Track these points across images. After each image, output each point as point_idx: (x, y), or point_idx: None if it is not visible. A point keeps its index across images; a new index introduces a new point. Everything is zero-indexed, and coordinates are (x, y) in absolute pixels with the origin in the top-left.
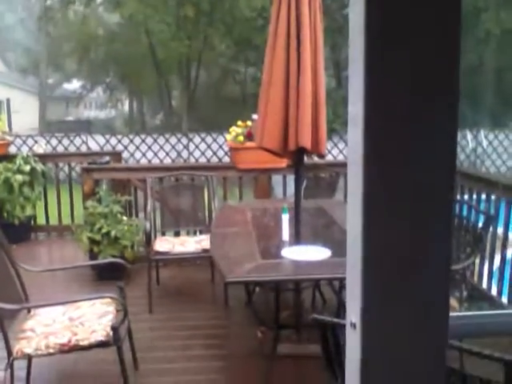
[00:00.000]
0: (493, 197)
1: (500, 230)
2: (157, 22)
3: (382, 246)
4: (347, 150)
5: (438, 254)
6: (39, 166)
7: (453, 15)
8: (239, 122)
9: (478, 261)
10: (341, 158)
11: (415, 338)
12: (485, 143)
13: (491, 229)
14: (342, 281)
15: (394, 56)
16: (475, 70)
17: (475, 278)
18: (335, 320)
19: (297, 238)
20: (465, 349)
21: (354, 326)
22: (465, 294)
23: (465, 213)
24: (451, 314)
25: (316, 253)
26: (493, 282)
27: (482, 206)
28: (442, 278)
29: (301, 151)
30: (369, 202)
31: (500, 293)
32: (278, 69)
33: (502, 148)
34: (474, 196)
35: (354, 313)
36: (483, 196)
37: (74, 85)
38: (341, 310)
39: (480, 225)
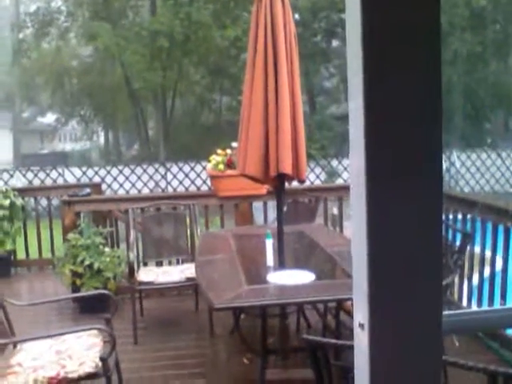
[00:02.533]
0: (469, 216)
1: (477, 249)
2: (131, 53)
3: (385, 254)
4: (350, 172)
5: (431, 262)
6: (19, 201)
7: (435, 50)
8: (219, 151)
9: (457, 279)
10: (318, 182)
11: (415, 334)
12: (458, 164)
13: (469, 247)
14: (326, 303)
15: (390, 86)
16: (445, 92)
17: (455, 296)
18: (325, 340)
19: (281, 263)
20: (450, 361)
21: (362, 326)
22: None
23: (442, 232)
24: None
25: (301, 276)
26: (472, 300)
27: (459, 226)
28: (435, 281)
29: (282, 177)
30: (372, 217)
31: None
32: (257, 97)
33: (475, 168)
34: (451, 216)
35: (361, 314)
36: (459, 216)
37: (49, 118)
38: (326, 333)
39: (458, 243)
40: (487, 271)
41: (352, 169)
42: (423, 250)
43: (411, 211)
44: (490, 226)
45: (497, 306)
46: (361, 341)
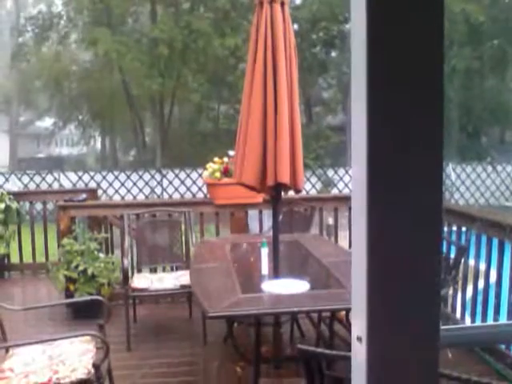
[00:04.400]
0: (463, 229)
1: (472, 262)
2: (130, 59)
3: (384, 267)
4: (352, 183)
5: (430, 277)
6: (14, 205)
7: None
8: (216, 159)
9: (451, 292)
10: (313, 192)
11: (413, 348)
12: (453, 176)
13: (463, 260)
14: (320, 313)
15: (393, 101)
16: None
17: (449, 308)
18: (319, 350)
19: (276, 272)
20: (443, 374)
21: (360, 339)
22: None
23: None
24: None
25: (296, 286)
26: (466, 313)
27: (454, 238)
28: (433, 296)
29: (279, 186)
30: (372, 231)
31: (473, 323)
32: (256, 106)
33: (470, 181)
34: (446, 228)
35: (360, 328)
36: (454, 228)
37: (46, 122)
38: (320, 342)
39: (452, 256)
40: (481, 284)
41: (354, 180)
42: (422, 264)
43: (411, 224)
44: (484, 239)
45: (490, 318)
46: (358, 354)
